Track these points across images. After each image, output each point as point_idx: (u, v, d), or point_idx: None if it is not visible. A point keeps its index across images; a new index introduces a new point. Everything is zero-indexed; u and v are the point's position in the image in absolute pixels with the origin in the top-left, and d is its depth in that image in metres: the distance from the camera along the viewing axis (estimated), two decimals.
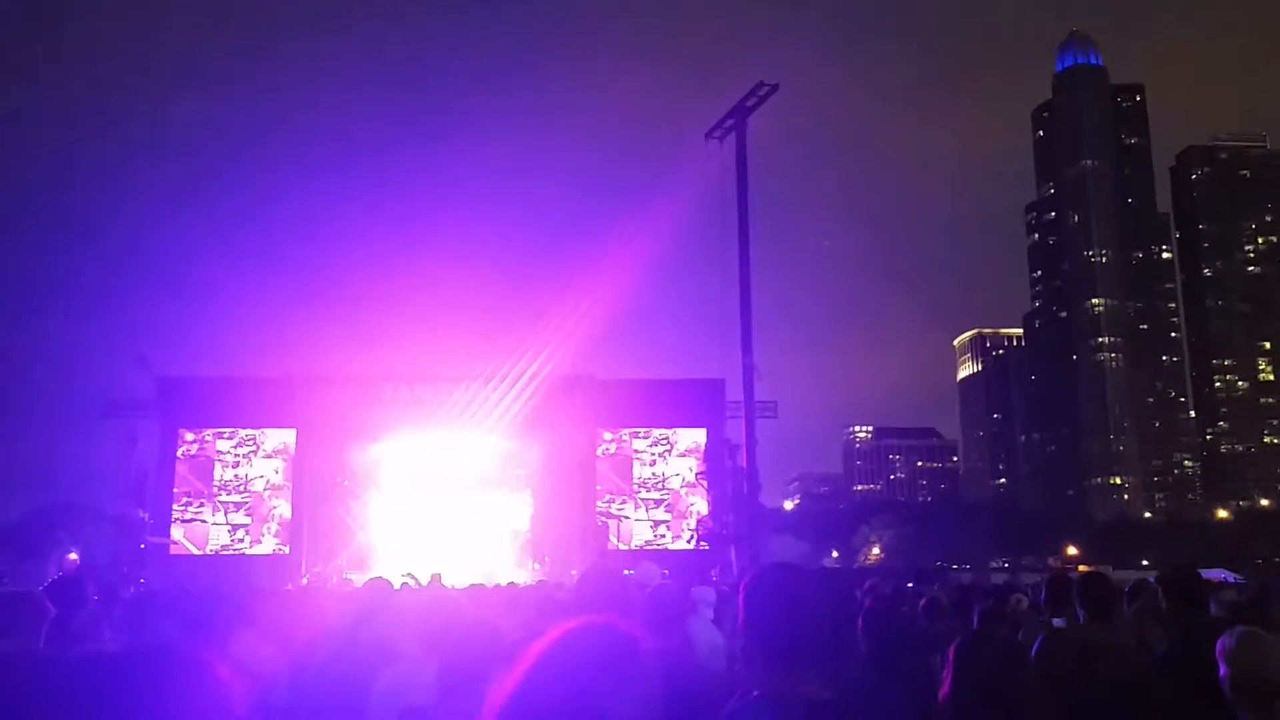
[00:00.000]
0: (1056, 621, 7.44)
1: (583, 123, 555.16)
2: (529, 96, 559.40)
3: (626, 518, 47.76)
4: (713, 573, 37.21)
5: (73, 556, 52.63)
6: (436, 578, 18.03)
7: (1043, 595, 9.77)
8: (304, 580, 40.32)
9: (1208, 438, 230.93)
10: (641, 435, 48.52)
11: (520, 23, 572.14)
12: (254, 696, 4.66)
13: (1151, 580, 8.65)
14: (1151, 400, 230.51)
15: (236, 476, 47.35)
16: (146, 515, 45.78)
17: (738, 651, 3.08)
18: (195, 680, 1.81)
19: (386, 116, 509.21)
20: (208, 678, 1.82)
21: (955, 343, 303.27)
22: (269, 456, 47.65)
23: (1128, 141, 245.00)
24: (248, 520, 47.01)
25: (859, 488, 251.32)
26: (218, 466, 47.37)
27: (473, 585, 18.41)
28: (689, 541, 46.24)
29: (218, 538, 46.73)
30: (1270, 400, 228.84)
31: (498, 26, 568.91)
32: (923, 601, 9.12)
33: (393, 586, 7.60)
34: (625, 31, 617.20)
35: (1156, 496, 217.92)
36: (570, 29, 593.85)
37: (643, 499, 47.93)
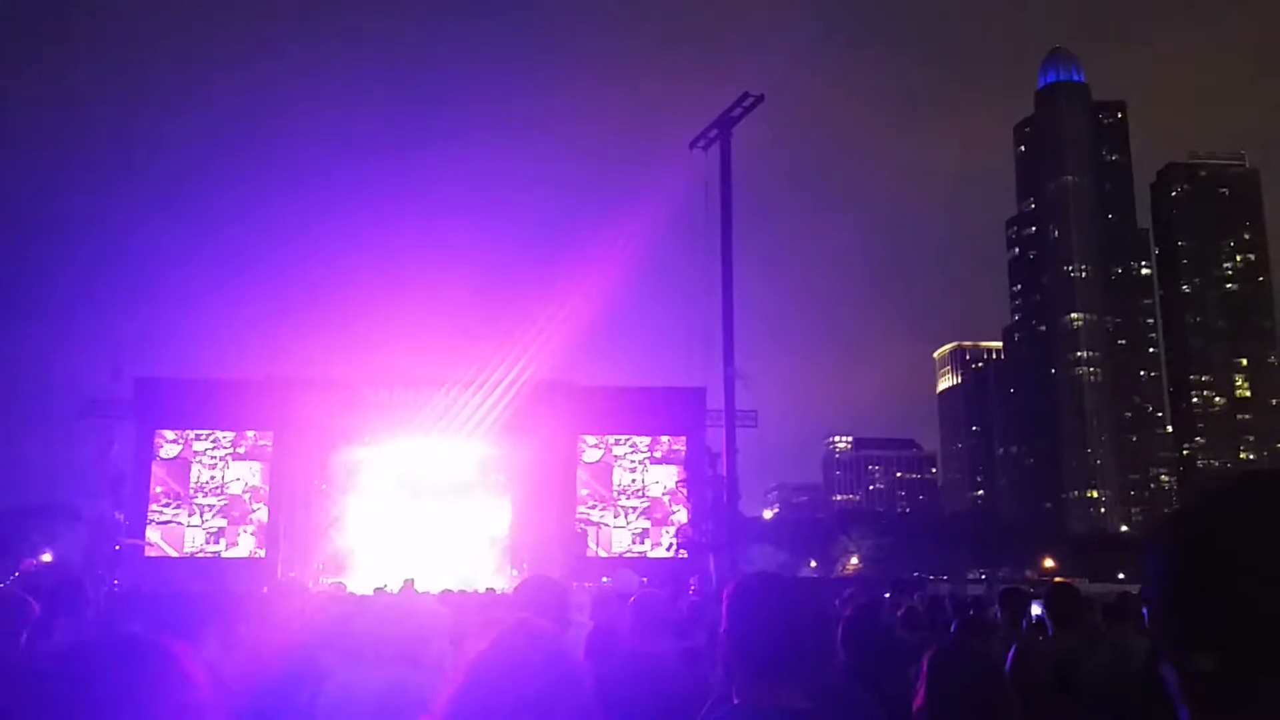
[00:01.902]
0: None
1: (568, 129, 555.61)
2: (512, 103, 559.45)
3: (606, 525, 47.72)
4: (691, 581, 37.23)
5: (46, 558, 52.17)
6: (409, 584, 17.93)
7: (998, 609, 9.78)
8: (279, 582, 40.08)
9: (1184, 453, 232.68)
10: (622, 442, 48.50)
11: (506, 31, 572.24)
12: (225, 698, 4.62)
13: (1135, 593, 8.71)
14: (1129, 415, 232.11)
15: (214, 479, 47.05)
16: (122, 517, 45.43)
17: (718, 659, 3.08)
18: (169, 672, 1.79)
19: (368, 120, 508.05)
20: (181, 670, 1.81)
21: (935, 355, 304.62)
22: (247, 459, 47.38)
23: (1108, 158, 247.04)
24: (224, 523, 46.72)
25: (838, 498, 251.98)
26: (195, 468, 47.06)
27: (444, 591, 18.30)
28: (669, 549, 46.25)
29: (194, 540, 46.42)
30: (1247, 416, 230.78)
31: (484, 35, 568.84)
32: (901, 611, 9.13)
33: (344, 589, 7.60)
34: (614, 40, 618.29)
35: (1133, 510, 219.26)
36: (558, 37, 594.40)
37: (623, 506, 47.89)
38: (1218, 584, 1.21)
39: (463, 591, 19.24)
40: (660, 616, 5.02)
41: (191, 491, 46.82)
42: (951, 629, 7.49)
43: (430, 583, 27.03)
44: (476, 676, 2.13)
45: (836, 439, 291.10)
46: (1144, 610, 6.76)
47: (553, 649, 2.19)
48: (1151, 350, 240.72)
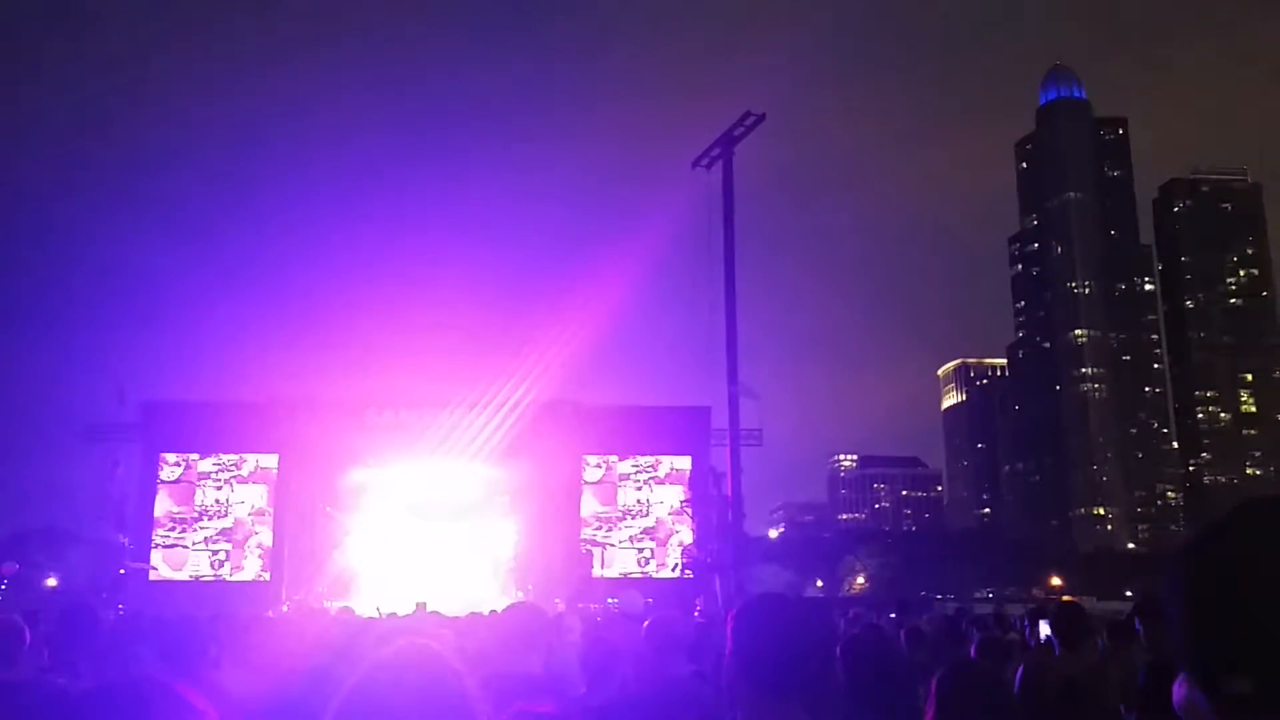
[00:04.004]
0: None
1: (572, 147, 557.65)
2: (516, 121, 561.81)
3: (611, 545, 47.59)
4: (697, 602, 37.09)
5: (51, 582, 52.13)
6: (421, 606, 17.89)
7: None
8: (284, 608, 39.99)
9: (1190, 469, 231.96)
10: (627, 462, 48.43)
11: (508, 52, 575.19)
12: None
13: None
14: (1134, 431, 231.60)
15: (218, 501, 47.02)
16: (126, 540, 45.42)
17: (723, 681, 3.08)
18: (173, 713, 1.80)
19: (370, 141, 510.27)
20: (185, 710, 1.81)
21: (940, 372, 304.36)
22: (251, 481, 47.35)
23: (1110, 174, 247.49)
24: (229, 546, 46.66)
25: (843, 517, 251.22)
26: (199, 491, 47.04)
27: (434, 612, 18.13)
28: (674, 570, 46.09)
29: (198, 563, 46.35)
30: (1252, 432, 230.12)
31: (486, 57, 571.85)
32: (904, 631, 9.10)
33: (354, 613, 7.63)
34: (617, 59, 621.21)
35: (1139, 527, 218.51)
36: (561, 55, 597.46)
37: (627, 526, 47.79)
38: (1250, 605, 1.22)
39: (471, 614, 19.16)
40: (678, 639, 5.02)
41: (196, 515, 46.80)
42: (972, 649, 7.45)
43: (440, 605, 26.91)
44: (356, 695, 2.13)
45: (841, 457, 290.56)
46: (1138, 627, 6.74)
47: (437, 670, 2.18)
48: (1156, 366, 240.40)
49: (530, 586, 43.98)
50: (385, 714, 2.07)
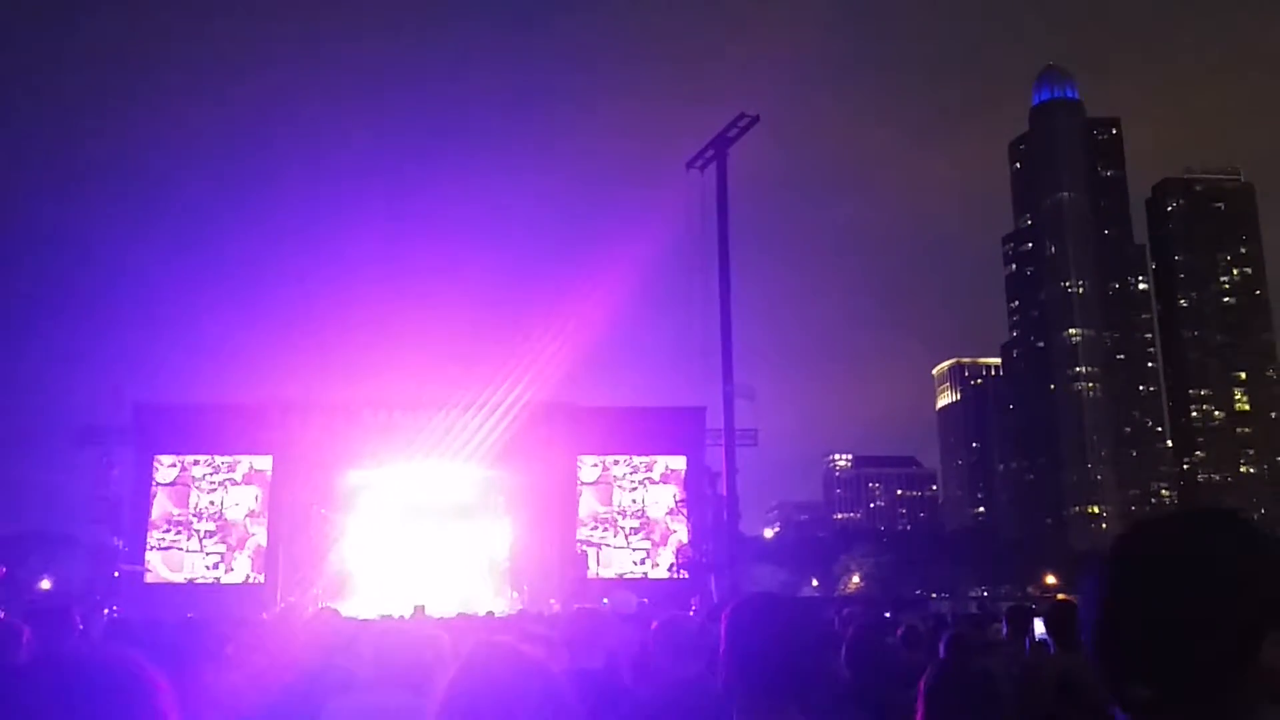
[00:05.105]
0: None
1: (566, 150, 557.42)
2: (510, 123, 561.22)
3: (607, 545, 47.57)
4: (692, 601, 37.09)
5: (45, 585, 52.00)
6: (420, 609, 17.92)
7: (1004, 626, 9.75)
8: (279, 608, 39.93)
9: (1185, 467, 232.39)
10: (622, 462, 48.41)
11: (504, 49, 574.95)
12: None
13: None
14: (1129, 430, 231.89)
15: (212, 504, 46.92)
16: (121, 543, 45.33)
17: (719, 681, 3.09)
18: (136, 695, 1.79)
19: (365, 143, 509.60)
20: (151, 694, 1.80)
21: (934, 371, 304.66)
22: (246, 483, 47.26)
23: (1104, 174, 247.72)
24: (223, 548, 46.57)
25: (839, 516, 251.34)
26: (194, 493, 46.95)
27: (459, 615, 18.17)
28: (669, 570, 46.09)
29: (193, 566, 46.26)
30: (1246, 430, 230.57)
31: (479, 53, 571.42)
32: (901, 630, 9.11)
33: (340, 615, 7.72)
34: (613, 61, 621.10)
35: None
36: (557, 55, 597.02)
37: (622, 526, 47.77)
38: (1148, 615, 1.28)
39: (464, 615, 19.15)
40: (688, 639, 5.01)
41: (190, 516, 46.71)
42: (941, 648, 7.44)
43: (431, 606, 26.86)
44: (455, 696, 2.13)
45: (837, 457, 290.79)
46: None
47: (531, 666, 2.18)
48: (1150, 365, 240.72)
49: (525, 587, 43.97)
50: (489, 711, 2.07)
